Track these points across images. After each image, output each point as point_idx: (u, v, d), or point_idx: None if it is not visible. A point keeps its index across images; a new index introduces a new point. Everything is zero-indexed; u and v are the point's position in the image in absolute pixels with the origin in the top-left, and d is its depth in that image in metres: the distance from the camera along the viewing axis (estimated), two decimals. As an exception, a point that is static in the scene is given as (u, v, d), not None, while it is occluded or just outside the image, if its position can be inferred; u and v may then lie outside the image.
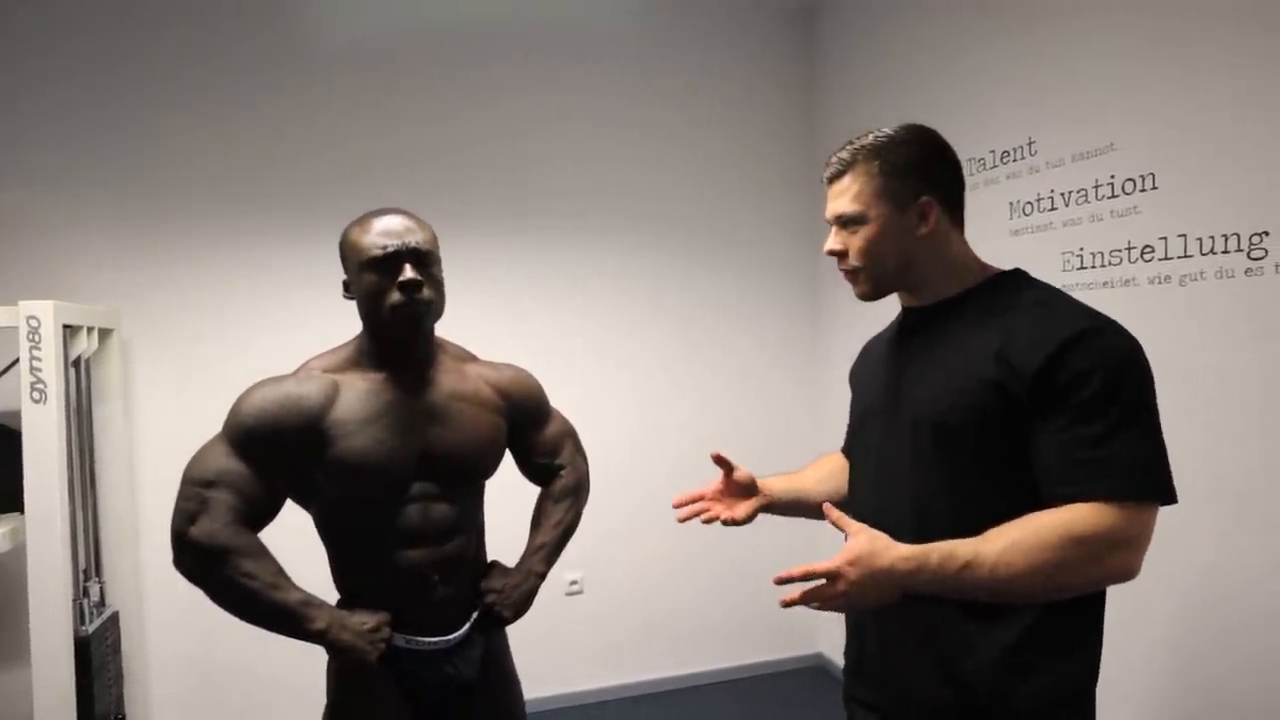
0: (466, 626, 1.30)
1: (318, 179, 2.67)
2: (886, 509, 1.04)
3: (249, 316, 2.62)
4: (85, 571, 2.19)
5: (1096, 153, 1.92)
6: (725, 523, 1.18)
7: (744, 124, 3.13)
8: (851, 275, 1.08)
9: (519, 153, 2.87)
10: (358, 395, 1.20)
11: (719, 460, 1.22)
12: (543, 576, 1.39)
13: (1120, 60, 1.86)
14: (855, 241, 1.04)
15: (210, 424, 1.22)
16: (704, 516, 1.19)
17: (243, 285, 2.62)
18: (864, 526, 0.90)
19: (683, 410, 3.06)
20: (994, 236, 2.19)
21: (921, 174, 1.02)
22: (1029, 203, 2.13)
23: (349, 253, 1.21)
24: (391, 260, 1.16)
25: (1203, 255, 1.68)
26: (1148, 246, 1.80)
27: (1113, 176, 1.88)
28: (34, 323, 1.89)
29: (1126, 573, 0.87)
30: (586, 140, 2.95)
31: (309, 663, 1.23)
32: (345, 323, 1.53)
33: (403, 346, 1.24)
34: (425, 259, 1.19)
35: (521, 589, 1.34)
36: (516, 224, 2.87)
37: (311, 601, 1.17)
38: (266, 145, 2.63)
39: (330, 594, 1.27)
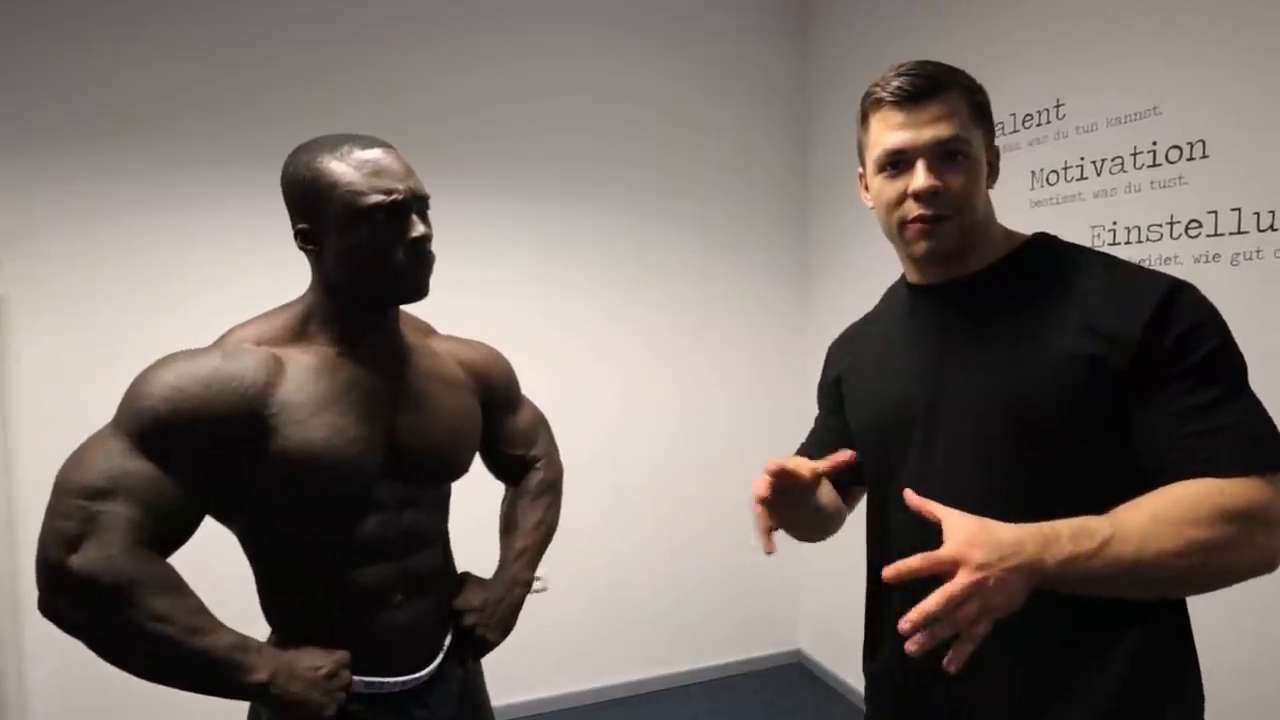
0: (439, 658, 1.07)
1: (261, 110, 2.27)
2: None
3: (163, 272, 2.22)
4: (-55, 581, 1.80)
5: (1137, 116, 1.76)
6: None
7: (733, 90, 2.89)
8: (935, 224, 0.85)
9: (491, 117, 2.55)
10: (307, 374, 0.94)
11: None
12: (528, 586, 1.18)
13: (1168, 12, 1.69)
14: (957, 180, 0.83)
15: (112, 401, 0.90)
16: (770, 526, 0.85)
17: (156, 233, 2.21)
18: (955, 511, 0.71)
19: (668, 390, 2.82)
20: (1012, 208, 2.01)
21: (989, 117, 0.89)
22: (1054, 171, 1.96)
23: (324, 192, 0.92)
24: (398, 210, 0.93)
25: (1260, 232, 1.54)
26: (1194, 221, 1.66)
27: (1155, 143, 1.72)
28: None
29: (1271, 560, 0.74)
30: (565, 106, 2.64)
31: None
32: (286, 284, 1.24)
33: (380, 316, 1.01)
34: (427, 207, 0.98)
35: (505, 604, 1.14)
36: (487, 191, 2.55)
37: (247, 645, 0.89)
38: (202, 60, 2.20)
39: (255, 628, 0.97)
